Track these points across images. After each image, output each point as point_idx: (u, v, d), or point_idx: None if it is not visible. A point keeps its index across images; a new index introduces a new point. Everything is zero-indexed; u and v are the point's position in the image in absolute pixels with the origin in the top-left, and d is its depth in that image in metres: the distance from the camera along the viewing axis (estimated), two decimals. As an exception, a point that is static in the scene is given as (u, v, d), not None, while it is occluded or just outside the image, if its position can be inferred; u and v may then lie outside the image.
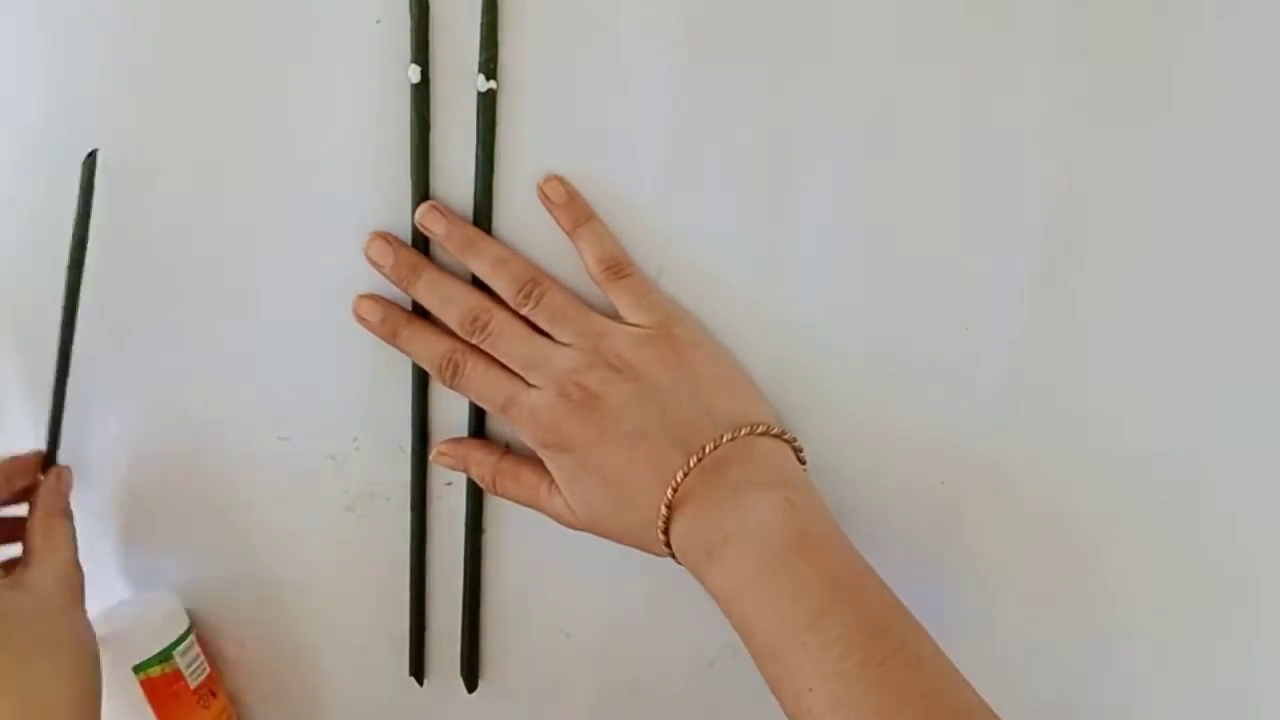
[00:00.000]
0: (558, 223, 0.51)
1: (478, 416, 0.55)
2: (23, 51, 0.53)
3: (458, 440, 0.55)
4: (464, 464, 0.54)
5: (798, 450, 0.50)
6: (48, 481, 0.56)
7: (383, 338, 0.53)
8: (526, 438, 0.51)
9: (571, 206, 0.51)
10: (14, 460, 0.57)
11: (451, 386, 0.52)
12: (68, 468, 0.57)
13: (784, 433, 0.50)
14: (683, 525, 0.48)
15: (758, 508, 0.47)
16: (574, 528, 0.51)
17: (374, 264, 0.52)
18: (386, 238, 0.52)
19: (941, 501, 0.53)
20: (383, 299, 0.53)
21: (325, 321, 0.54)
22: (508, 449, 0.54)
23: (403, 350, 0.53)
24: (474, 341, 0.51)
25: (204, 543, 0.59)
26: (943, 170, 0.48)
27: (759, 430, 0.49)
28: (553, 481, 0.51)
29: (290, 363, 0.55)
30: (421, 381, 0.54)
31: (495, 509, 0.56)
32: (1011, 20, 0.47)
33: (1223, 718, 0.54)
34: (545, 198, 0.51)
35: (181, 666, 0.56)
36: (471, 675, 0.58)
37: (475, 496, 0.56)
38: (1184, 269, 0.48)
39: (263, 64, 0.51)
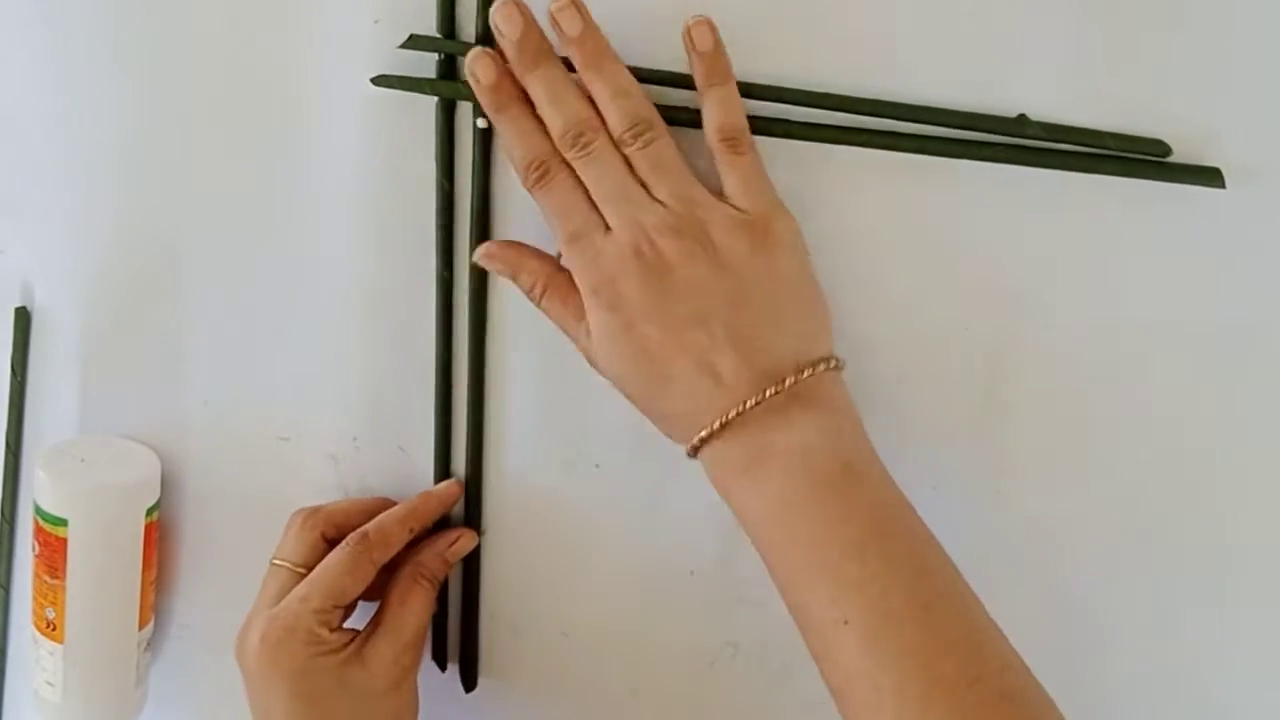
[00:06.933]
0: (693, 71, 0.47)
1: (477, 417, 0.54)
2: (25, 50, 0.53)
3: (510, 242, 0.51)
4: (515, 269, 0.50)
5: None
6: (433, 545, 0.54)
7: (484, 105, 0.48)
8: (580, 280, 0.47)
9: (713, 58, 0.46)
10: (427, 498, 0.54)
11: (530, 190, 0.48)
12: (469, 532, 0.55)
13: (841, 364, 0.47)
14: (721, 439, 0.45)
15: (806, 429, 0.44)
16: (600, 373, 0.48)
17: (496, 28, 0.47)
18: (521, 8, 0.46)
19: (941, 501, 0.53)
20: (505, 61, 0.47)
21: (326, 321, 0.54)
22: (561, 266, 0.49)
23: (499, 128, 0.49)
24: (569, 156, 0.47)
25: (204, 543, 0.59)
26: (942, 165, 0.48)
27: (832, 365, 0.46)
28: None
29: (290, 362, 0.55)
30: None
31: (495, 509, 0.56)
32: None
33: (1220, 717, 0.54)
34: (690, 41, 0.46)
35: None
36: (470, 674, 0.58)
37: (475, 497, 0.56)
38: (1181, 266, 0.48)
39: (263, 63, 0.51)
